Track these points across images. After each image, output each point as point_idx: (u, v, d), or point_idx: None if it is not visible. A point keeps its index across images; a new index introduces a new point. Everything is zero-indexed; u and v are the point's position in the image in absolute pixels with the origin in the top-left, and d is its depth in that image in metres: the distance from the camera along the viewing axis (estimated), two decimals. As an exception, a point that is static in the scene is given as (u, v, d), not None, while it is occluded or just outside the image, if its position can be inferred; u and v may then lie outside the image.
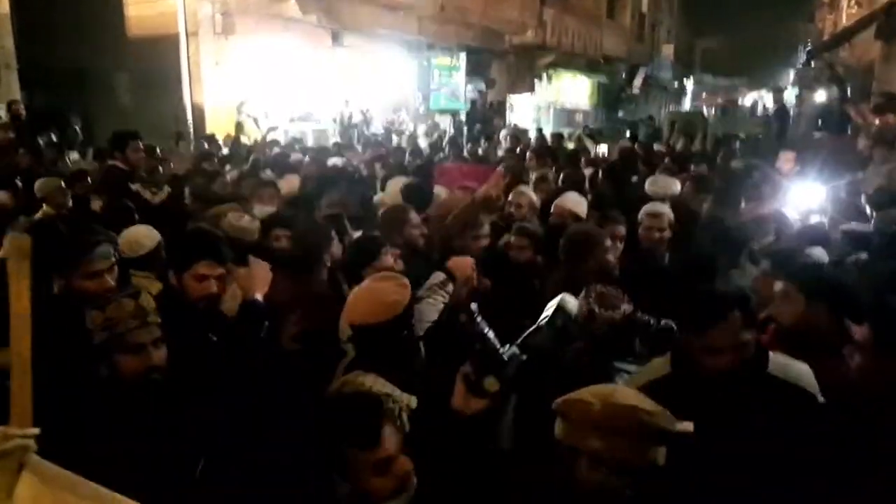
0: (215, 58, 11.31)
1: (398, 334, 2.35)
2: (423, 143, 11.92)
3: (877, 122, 6.70)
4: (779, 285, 2.49)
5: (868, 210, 4.32)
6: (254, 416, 2.36)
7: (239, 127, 10.92)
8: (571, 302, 2.67)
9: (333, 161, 7.39)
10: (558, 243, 3.42)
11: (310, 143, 11.41)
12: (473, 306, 1.91)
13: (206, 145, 9.15)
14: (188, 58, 11.08)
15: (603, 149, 11.57)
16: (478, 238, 3.54)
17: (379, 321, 2.29)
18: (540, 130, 13.54)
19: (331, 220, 3.72)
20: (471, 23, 17.05)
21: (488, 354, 1.83)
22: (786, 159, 6.91)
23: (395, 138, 12.79)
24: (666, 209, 4.00)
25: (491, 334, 1.84)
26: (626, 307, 2.56)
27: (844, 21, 18.42)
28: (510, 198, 4.56)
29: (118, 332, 2.06)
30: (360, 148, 10.32)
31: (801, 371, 2.16)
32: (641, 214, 3.96)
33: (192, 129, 11.16)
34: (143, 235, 3.27)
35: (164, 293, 2.58)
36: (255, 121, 11.24)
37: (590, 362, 2.48)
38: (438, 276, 2.86)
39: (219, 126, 11.05)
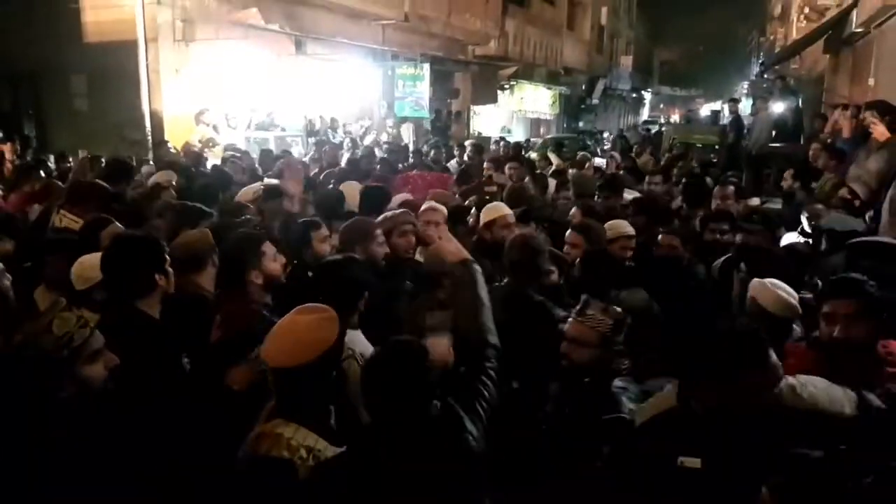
0: (175, 65, 11.13)
1: (323, 377, 2.07)
2: (380, 152, 11.88)
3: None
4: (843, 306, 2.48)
5: None
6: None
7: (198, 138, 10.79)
8: None
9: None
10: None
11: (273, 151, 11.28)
12: None
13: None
14: (147, 65, 10.88)
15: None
16: None
17: (300, 362, 2.00)
18: (502, 139, 13.64)
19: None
20: (434, 33, 17.14)
21: None
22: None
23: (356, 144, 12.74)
24: None
25: None
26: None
27: (794, 34, 19.02)
28: (419, 215, 4.40)
29: (76, 344, 1.93)
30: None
31: (819, 393, 2.13)
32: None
33: (149, 137, 10.95)
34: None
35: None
36: (215, 128, 11.09)
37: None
38: None
39: (177, 134, 10.87)
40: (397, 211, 3.94)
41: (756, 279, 3.08)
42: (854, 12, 11.85)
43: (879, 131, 5.19)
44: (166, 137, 10.79)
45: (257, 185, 5.30)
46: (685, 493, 1.83)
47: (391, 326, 2.69)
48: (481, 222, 4.11)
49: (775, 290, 2.94)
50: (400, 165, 9.70)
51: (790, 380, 2.14)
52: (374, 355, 2.01)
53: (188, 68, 11.28)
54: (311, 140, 13.05)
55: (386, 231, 3.61)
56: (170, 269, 2.65)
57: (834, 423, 2.09)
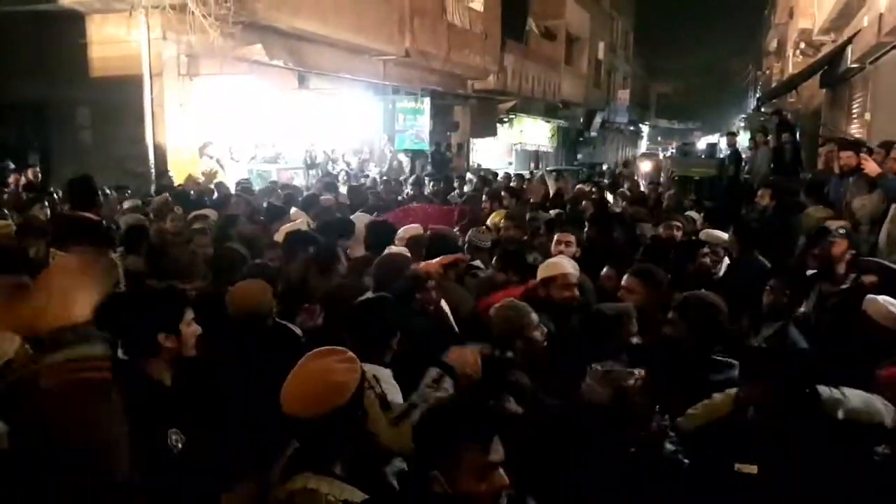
0: (179, 99, 11.26)
1: (348, 424, 1.93)
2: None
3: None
4: None
5: None
6: None
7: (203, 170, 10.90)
8: None
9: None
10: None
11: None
12: None
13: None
14: (152, 99, 11.01)
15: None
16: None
17: (318, 413, 1.87)
18: (507, 174, 13.73)
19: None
20: (434, 68, 17.38)
21: None
22: (762, 195, 7.22)
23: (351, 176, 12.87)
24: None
25: None
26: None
27: (791, 68, 19.29)
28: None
29: None
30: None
31: (855, 404, 2.28)
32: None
33: (153, 170, 11.03)
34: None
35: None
36: (219, 162, 11.19)
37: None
38: (432, 374, 2.43)
39: (180, 166, 10.96)
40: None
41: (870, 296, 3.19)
42: (849, 48, 12.04)
43: (871, 167, 5.29)
44: (169, 169, 10.89)
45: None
46: (742, 497, 2.04)
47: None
48: (538, 277, 3.63)
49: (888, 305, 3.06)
50: (399, 197, 9.78)
51: (833, 392, 2.29)
52: (438, 406, 1.91)
53: (192, 102, 11.41)
54: (312, 172, 13.18)
55: None
56: (184, 329, 2.33)
57: (873, 433, 2.23)
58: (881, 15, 9.45)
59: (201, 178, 10.37)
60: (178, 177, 10.76)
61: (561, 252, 4.39)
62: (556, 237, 4.77)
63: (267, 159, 12.53)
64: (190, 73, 11.30)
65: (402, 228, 4.96)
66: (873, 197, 5.50)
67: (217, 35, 10.30)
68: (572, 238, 4.71)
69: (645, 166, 19.04)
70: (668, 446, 2.29)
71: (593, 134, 35.63)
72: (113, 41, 10.90)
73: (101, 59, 11.03)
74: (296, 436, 1.96)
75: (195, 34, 10.41)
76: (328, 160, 13.81)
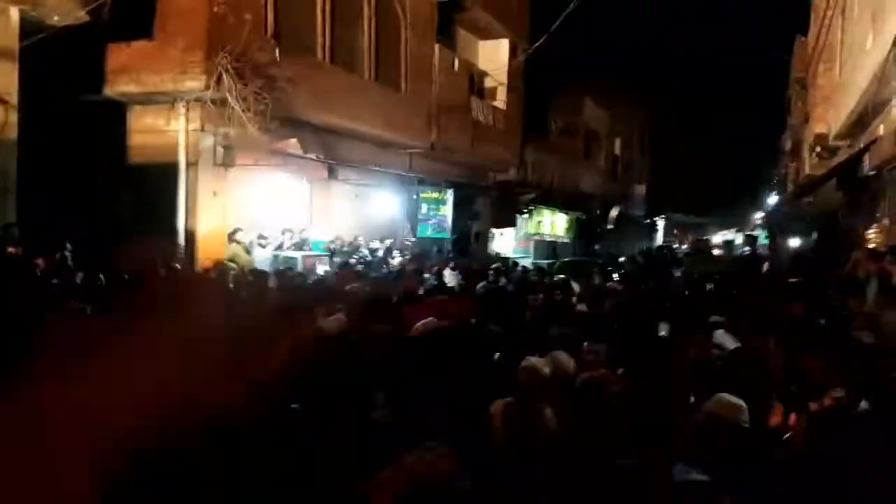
0: (213, 187, 11.63)
1: None
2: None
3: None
4: None
5: None
6: None
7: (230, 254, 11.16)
8: None
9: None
10: None
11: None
12: None
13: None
14: (187, 186, 11.39)
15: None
16: None
17: None
18: (524, 266, 13.88)
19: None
20: (458, 161, 17.89)
21: None
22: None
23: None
24: None
25: None
26: None
27: (807, 169, 19.57)
28: None
29: None
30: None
31: None
32: None
33: (182, 255, 11.27)
34: None
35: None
36: (247, 249, 11.45)
37: None
38: None
39: (210, 252, 11.20)
40: None
41: None
42: (866, 156, 12.28)
43: None
44: (198, 255, 11.13)
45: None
46: None
47: None
48: None
49: None
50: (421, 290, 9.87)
51: None
52: None
53: (226, 191, 11.77)
54: (336, 260, 13.40)
55: None
56: None
57: None
58: (897, 126, 9.70)
59: (230, 264, 10.61)
60: (207, 262, 11.00)
61: (591, 362, 4.32)
62: (584, 346, 4.57)
63: (293, 246, 12.80)
64: (225, 163, 11.71)
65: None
66: None
67: (254, 129, 10.75)
68: (600, 349, 4.54)
69: None
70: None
71: (610, 226, 36.00)
72: (151, 130, 11.40)
73: (140, 148, 11.49)
74: None
75: (233, 127, 10.87)
76: (351, 247, 14.07)
